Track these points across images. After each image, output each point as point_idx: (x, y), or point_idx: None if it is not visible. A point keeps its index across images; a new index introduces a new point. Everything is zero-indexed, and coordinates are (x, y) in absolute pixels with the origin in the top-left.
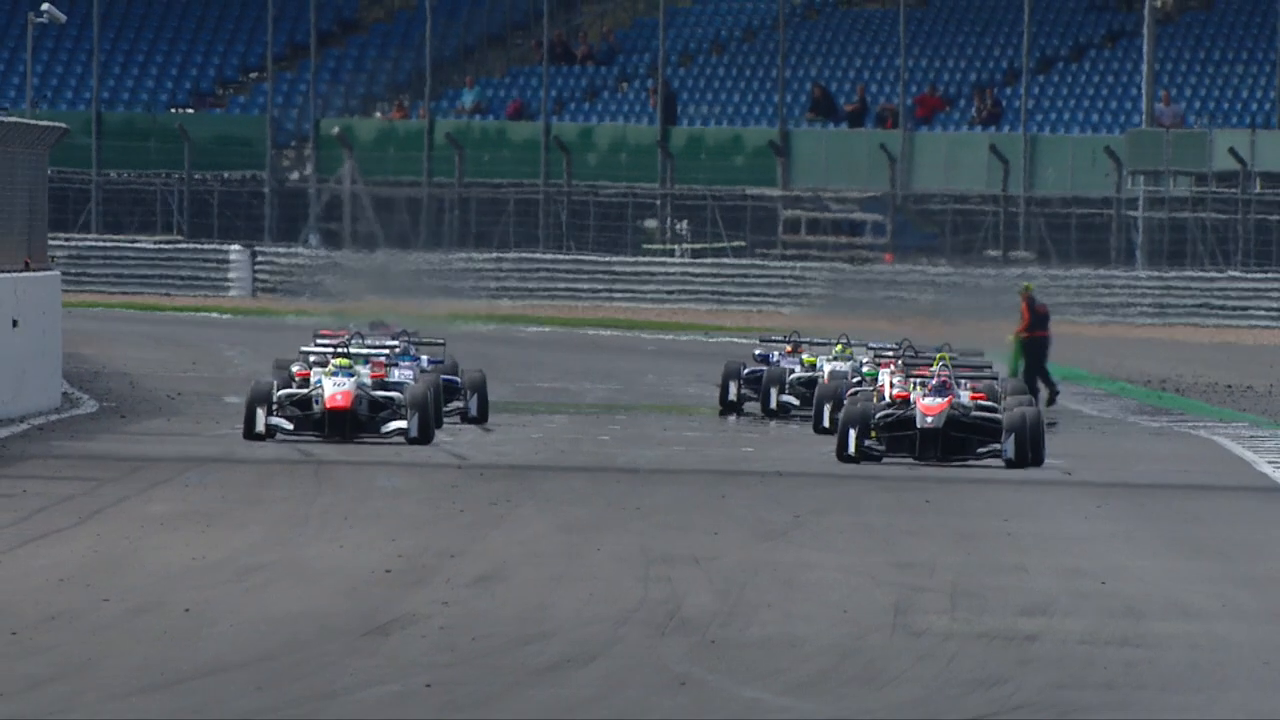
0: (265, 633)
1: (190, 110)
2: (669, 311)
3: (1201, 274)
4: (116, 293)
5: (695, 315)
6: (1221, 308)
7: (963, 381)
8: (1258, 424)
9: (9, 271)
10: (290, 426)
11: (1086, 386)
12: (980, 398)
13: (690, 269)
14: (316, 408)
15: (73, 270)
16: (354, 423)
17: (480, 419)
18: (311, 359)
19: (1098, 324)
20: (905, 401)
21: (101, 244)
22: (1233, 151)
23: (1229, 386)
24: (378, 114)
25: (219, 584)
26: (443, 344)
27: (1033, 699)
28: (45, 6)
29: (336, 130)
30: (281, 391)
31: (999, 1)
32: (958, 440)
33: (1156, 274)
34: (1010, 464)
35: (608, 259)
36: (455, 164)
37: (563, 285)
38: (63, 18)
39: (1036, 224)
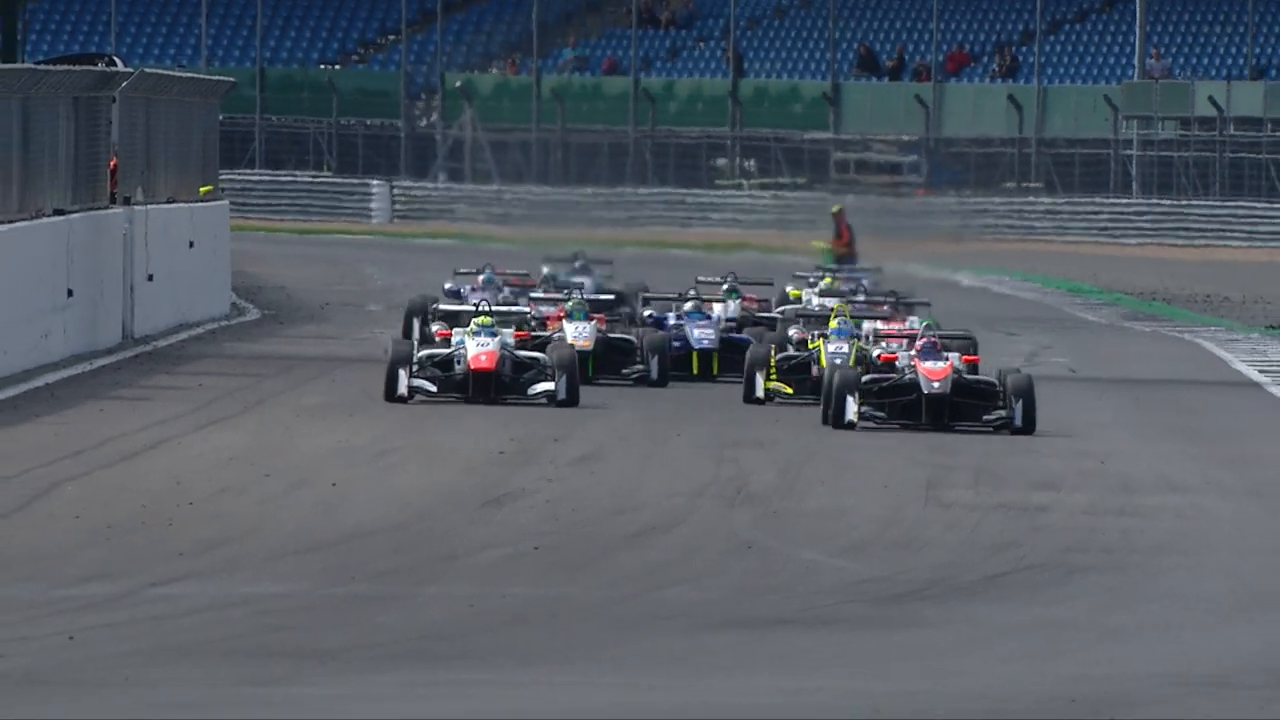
0: (399, 504)
1: (337, 66)
2: (737, 235)
3: (1185, 203)
4: (276, 219)
5: (759, 238)
6: (1202, 231)
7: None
8: (1233, 329)
9: (187, 201)
10: (433, 388)
11: (1088, 297)
12: (973, 360)
13: (756, 200)
14: (459, 368)
15: (239, 200)
16: (498, 384)
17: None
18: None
19: (1097, 244)
20: (892, 365)
21: (264, 178)
22: (1211, 100)
23: (1208, 297)
24: (494, 70)
25: (360, 464)
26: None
27: (1043, 560)
28: None
29: (459, 84)
30: (423, 352)
31: None
32: (962, 405)
33: (1147, 202)
34: (1016, 431)
35: (686, 192)
36: (558, 113)
37: (648, 214)
38: None
39: (1046, 162)
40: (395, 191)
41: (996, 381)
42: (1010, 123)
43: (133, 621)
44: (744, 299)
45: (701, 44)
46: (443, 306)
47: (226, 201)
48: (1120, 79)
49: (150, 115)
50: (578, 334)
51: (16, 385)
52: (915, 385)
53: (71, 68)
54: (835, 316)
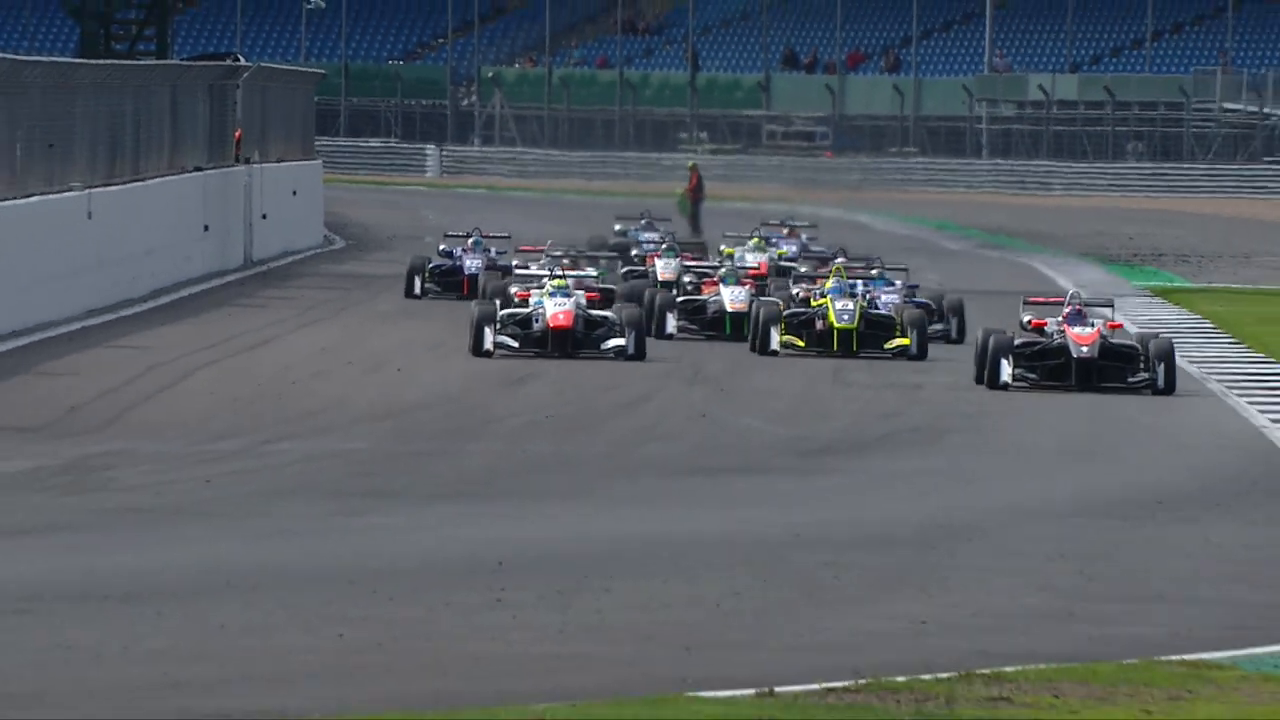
0: (447, 384)
1: (401, 61)
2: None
3: (1022, 162)
4: (356, 174)
5: (711, 189)
6: (1033, 183)
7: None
8: (1056, 255)
9: (292, 160)
10: (515, 344)
11: (951, 232)
12: (1116, 326)
13: (709, 162)
14: (538, 326)
15: (329, 160)
16: (573, 340)
17: (959, 340)
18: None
19: (957, 193)
20: (1041, 329)
21: (347, 144)
22: (1040, 88)
23: (1038, 232)
24: (517, 64)
25: (420, 354)
26: (906, 270)
27: (919, 424)
28: None
29: (491, 74)
30: (504, 311)
31: None
32: (1109, 368)
33: (993, 163)
34: (1158, 392)
35: (657, 155)
36: (564, 96)
37: (630, 171)
38: (324, 4)
39: (920, 133)
40: (443, 153)
41: (1139, 345)
42: (894, 104)
43: (252, 469)
44: (681, 255)
45: (668, 46)
46: (436, 263)
47: (320, 161)
48: (973, 72)
49: (265, 98)
50: (733, 297)
51: (167, 295)
52: (1065, 349)
53: (207, 63)
54: (833, 276)
